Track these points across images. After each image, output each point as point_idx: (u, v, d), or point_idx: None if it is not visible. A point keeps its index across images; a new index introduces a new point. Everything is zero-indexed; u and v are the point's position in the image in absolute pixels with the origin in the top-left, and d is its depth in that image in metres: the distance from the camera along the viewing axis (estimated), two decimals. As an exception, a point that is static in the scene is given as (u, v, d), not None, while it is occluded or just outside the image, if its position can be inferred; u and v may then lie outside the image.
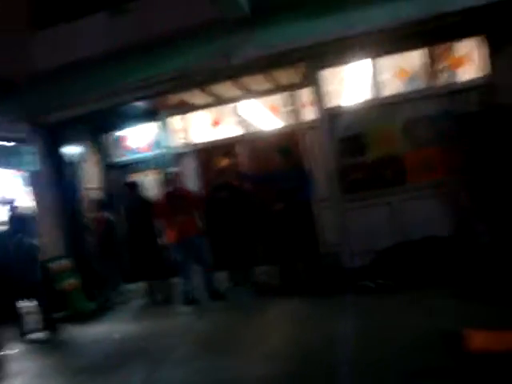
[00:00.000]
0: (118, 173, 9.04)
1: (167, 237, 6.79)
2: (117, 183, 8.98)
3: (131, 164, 8.99)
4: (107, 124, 8.79)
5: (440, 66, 7.03)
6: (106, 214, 7.62)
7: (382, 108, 6.87)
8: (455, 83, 7.03)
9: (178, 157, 8.65)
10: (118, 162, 9.07)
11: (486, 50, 6.65)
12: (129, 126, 8.83)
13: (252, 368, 4.11)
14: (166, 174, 7.13)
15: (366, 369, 3.70)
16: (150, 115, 8.60)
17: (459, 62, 7.08)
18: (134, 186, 7.59)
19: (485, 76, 6.66)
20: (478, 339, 3.63)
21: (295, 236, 6.29)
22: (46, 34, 7.19)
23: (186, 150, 8.67)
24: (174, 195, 6.73)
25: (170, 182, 6.90)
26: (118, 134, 9.02)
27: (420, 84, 7.00)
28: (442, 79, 6.93)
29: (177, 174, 7.12)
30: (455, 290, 5.12)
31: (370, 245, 6.53)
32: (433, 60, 6.85)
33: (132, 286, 7.91)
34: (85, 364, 4.98)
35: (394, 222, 6.65)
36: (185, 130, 8.73)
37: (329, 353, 4.12)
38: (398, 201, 6.70)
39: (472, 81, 6.86)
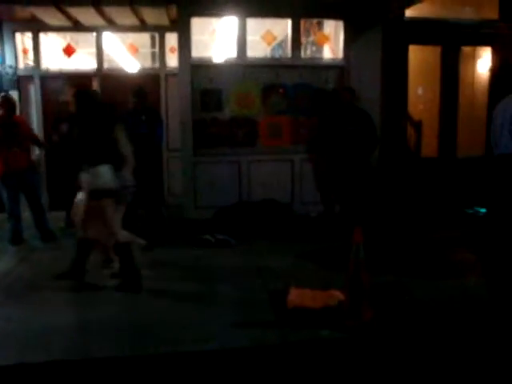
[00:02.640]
0: None
1: None
2: None
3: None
4: None
5: (307, 39, 7.30)
6: None
7: (245, 68, 6.91)
8: (318, 58, 7.37)
9: (21, 80, 7.76)
10: None
11: (345, 35, 7.05)
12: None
13: (70, 318, 3.88)
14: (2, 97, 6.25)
15: (191, 319, 3.78)
16: (-8, 25, 7.52)
17: (324, 40, 7.44)
18: None
19: (342, 58, 7.09)
20: (298, 297, 3.92)
21: (141, 182, 6.10)
22: None
23: (32, 73, 7.80)
24: (7, 122, 5.99)
25: (4, 106, 6.07)
26: None
27: (285, 53, 7.18)
28: (307, 52, 7.19)
29: (12, 99, 6.30)
30: (289, 251, 5.47)
31: (214, 200, 6.66)
32: (300, 31, 7.04)
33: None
34: None
35: (241, 181, 6.87)
36: (34, 52, 7.80)
37: (157, 302, 4.15)
38: (246, 161, 6.90)
39: (332, 59, 7.27)
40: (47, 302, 4.19)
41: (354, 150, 6.34)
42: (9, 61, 7.61)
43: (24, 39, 7.84)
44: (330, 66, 7.17)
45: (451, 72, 7.56)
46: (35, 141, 6.26)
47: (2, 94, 6.32)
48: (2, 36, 7.56)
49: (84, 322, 3.82)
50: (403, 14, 7.09)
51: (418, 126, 7.32)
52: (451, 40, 7.41)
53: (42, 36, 7.80)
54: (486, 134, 6.95)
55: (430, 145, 7.55)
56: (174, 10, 6.88)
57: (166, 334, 3.53)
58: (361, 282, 3.52)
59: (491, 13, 7.41)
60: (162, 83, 7.90)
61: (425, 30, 7.26)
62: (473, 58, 7.99)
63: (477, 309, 3.87)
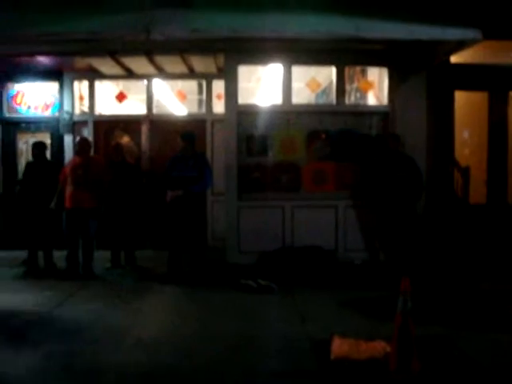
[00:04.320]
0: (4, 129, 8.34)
1: (65, 203, 6.35)
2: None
3: (20, 122, 8.33)
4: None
5: (351, 86, 7.39)
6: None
7: (290, 115, 7.04)
8: (362, 105, 7.42)
9: (76, 124, 8.18)
10: (6, 118, 8.33)
11: (389, 81, 7.09)
12: (27, 81, 8.17)
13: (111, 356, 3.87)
14: (80, 139, 6.70)
15: (234, 367, 3.73)
16: (53, 75, 8.03)
17: (368, 86, 7.50)
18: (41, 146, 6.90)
19: (386, 104, 7.11)
20: (342, 347, 3.82)
21: (186, 225, 6.21)
22: None
23: (87, 118, 8.22)
24: (81, 163, 6.34)
25: (82, 147, 6.49)
26: (14, 87, 8.30)
27: (329, 99, 7.27)
28: (351, 99, 7.26)
29: (88, 141, 6.74)
30: (333, 299, 5.38)
31: (257, 245, 6.67)
32: (345, 78, 7.14)
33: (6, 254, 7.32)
34: None
35: (284, 227, 6.88)
36: (89, 98, 8.26)
37: (201, 347, 4.09)
38: (290, 207, 6.92)
39: (376, 106, 7.31)
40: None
41: (401, 196, 6.27)
42: (66, 107, 8.09)
43: (81, 87, 8.32)
44: (374, 113, 7.20)
45: (499, 117, 7.43)
46: (100, 183, 6.39)
47: (82, 136, 6.70)
48: (62, 85, 8.12)
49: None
50: (448, 59, 7.08)
51: (465, 171, 7.16)
52: (499, 85, 7.31)
53: (97, 84, 8.26)
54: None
55: (478, 191, 7.34)
56: (221, 59, 7.14)
57: (204, 381, 3.48)
58: (409, 333, 3.40)
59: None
60: (208, 128, 8.14)
61: (471, 76, 7.20)
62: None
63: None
